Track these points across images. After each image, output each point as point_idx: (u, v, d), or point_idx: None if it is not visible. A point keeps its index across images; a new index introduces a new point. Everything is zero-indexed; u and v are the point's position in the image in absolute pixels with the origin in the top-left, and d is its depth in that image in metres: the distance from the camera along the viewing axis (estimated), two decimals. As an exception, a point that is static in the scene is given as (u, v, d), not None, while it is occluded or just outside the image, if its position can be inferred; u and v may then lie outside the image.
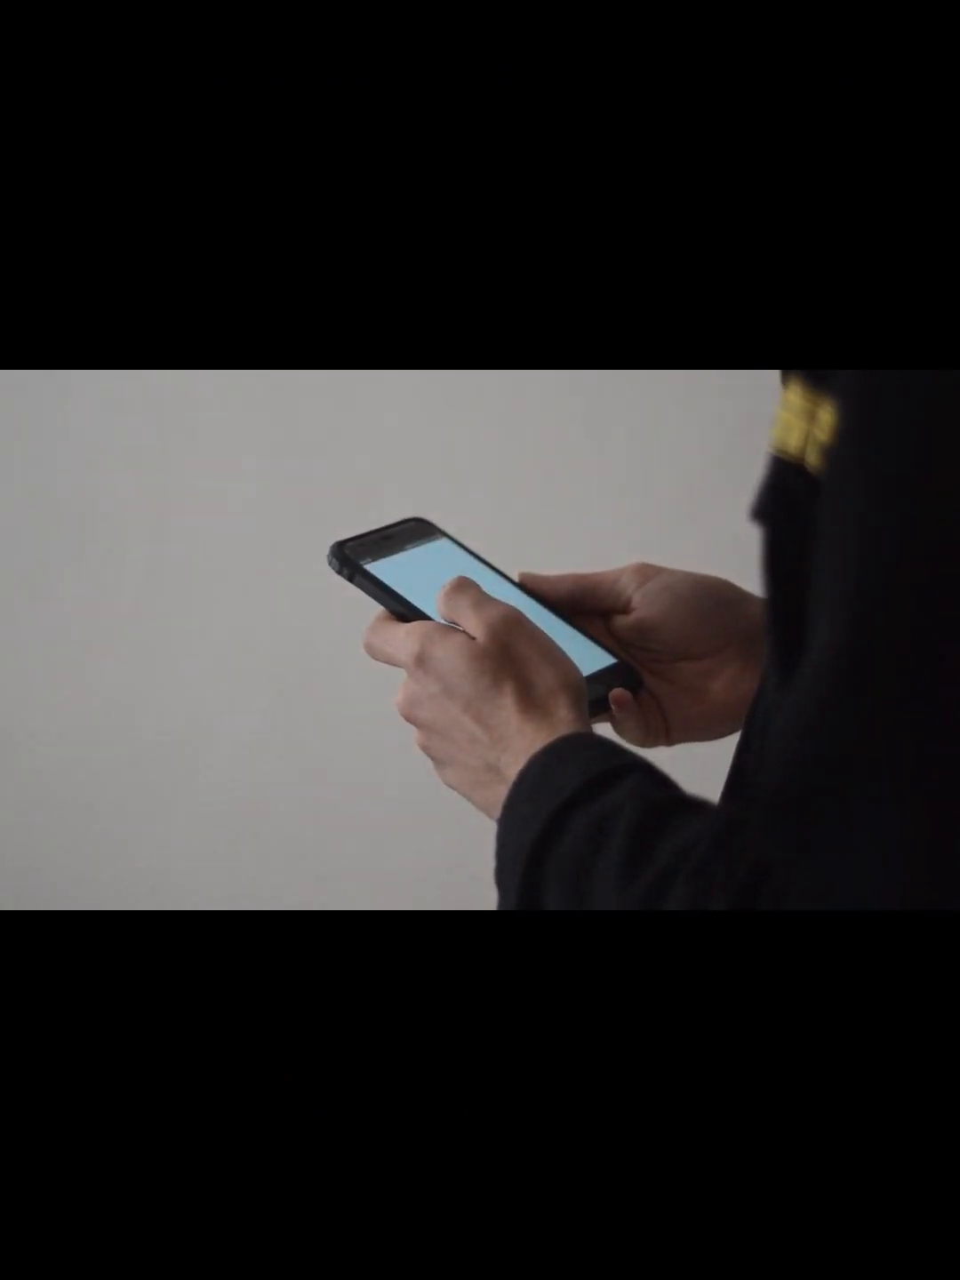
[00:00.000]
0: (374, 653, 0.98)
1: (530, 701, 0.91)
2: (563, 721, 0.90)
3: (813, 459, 0.74)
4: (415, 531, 1.05)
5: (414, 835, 2.07)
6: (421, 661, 0.94)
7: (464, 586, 0.96)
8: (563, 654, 0.94)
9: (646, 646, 1.03)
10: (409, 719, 0.95)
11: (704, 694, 1.03)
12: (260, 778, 2.14)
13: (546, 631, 0.97)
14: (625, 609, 1.04)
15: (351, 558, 1.01)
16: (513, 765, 0.89)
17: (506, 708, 0.91)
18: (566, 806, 0.84)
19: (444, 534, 1.06)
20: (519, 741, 0.90)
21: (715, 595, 1.03)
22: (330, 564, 1.01)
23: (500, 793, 0.89)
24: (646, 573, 1.04)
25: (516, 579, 1.05)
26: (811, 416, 0.74)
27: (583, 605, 1.05)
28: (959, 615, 0.69)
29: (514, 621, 0.94)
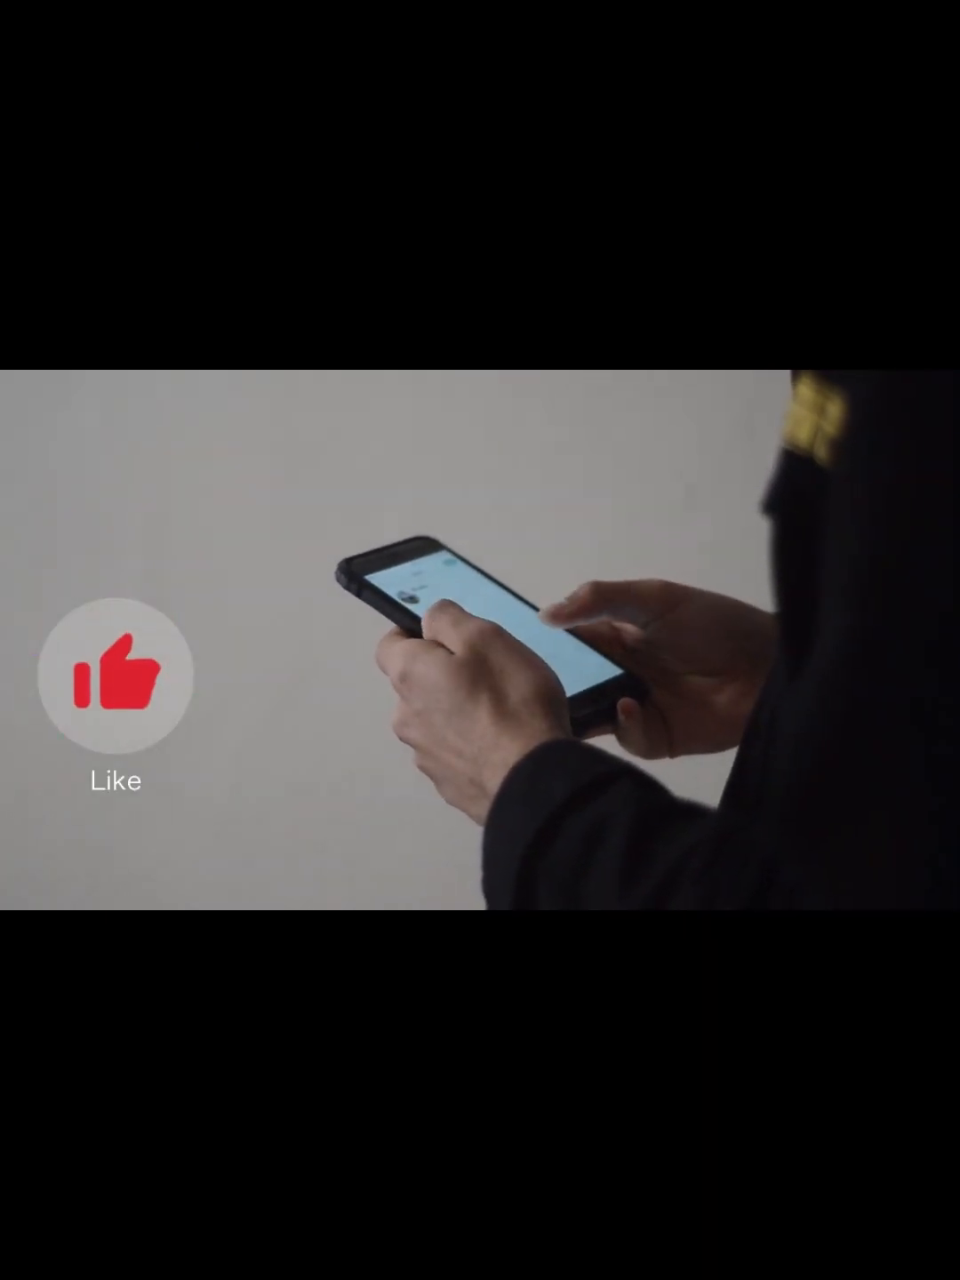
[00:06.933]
0: (380, 666, 0.98)
1: (503, 712, 0.90)
2: (538, 731, 0.89)
3: (822, 453, 0.74)
4: (421, 548, 1.06)
5: (420, 837, 2.07)
6: (405, 679, 0.94)
7: (444, 607, 0.96)
8: (541, 662, 0.94)
9: (658, 660, 1.03)
10: (402, 739, 0.95)
11: (710, 707, 1.03)
12: (261, 779, 2.14)
13: (553, 641, 0.96)
14: (642, 627, 1.03)
15: (358, 574, 1.02)
16: (493, 779, 0.88)
17: (481, 721, 0.91)
18: (557, 815, 0.83)
19: (450, 551, 1.07)
20: (496, 755, 0.89)
21: (735, 618, 1.03)
22: (338, 580, 1.02)
23: (486, 807, 0.89)
24: (670, 594, 1.03)
25: (515, 590, 1.05)
26: (821, 410, 0.74)
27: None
28: None
29: (491, 634, 0.93)
